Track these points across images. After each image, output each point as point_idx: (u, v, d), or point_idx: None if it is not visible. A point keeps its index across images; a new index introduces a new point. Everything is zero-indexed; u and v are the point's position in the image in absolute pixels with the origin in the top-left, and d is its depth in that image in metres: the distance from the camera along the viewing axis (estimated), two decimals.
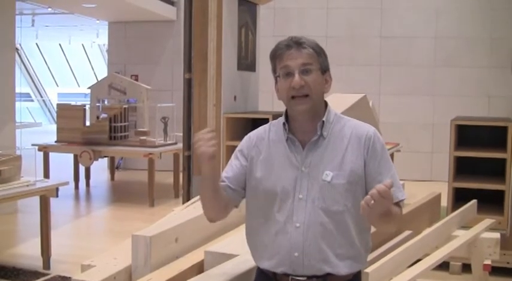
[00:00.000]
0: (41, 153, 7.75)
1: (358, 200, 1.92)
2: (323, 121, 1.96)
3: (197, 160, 1.93)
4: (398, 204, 1.97)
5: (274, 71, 2.00)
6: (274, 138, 2.02)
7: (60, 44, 21.26)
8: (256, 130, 2.11)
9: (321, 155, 1.94)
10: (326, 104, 2.02)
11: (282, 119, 2.02)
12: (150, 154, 7.32)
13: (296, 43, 1.95)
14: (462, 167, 5.10)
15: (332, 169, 1.92)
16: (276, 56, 1.97)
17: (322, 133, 1.96)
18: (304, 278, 1.94)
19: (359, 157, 1.94)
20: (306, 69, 1.92)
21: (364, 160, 1.94)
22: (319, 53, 1.97)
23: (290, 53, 1.94)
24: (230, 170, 2.06)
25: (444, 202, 4.45)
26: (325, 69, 1.99)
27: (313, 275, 1.93)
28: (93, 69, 22.41)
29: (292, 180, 1.94)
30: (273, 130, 2.05)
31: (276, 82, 2.00)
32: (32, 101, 22.33)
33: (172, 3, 10.15)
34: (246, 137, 2.10)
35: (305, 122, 1.97)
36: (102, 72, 16.83)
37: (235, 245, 2.47)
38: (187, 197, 4.81)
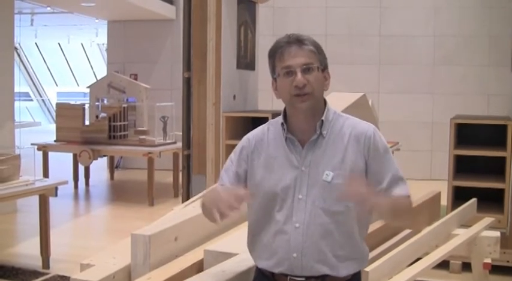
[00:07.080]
0: (40, 152, 7.75)
1: None
2: (322, 120, 1.93)
3: (211, 205, 1.86)
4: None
5: (273, 70, 1.96)
6: (273, 139, 1.99)
7: (59, 43, 21.23)
8: (254, 131, 2.07)
9: (320, 155, 1.92)
10: (325, 102, 1.99)
11: (280, 119, 1.99)
12: (150, 153, 7.32)
13: (297, 40, 1.91)
14: (462, 166, 5.10)
15: (332, 169, 1.89)
16: (276, 54, 1.93)
17: (321, 132, 1.93)
18: (303, 279, 1.92)
19: (359, 156, 1.91)
20: (307, 68, 1.89)
21: (365, 160, 1.92)
22: (319, 50, 1.94)
23: (291, 51, 1.90)
24: (231, 177, 2.02)
25: (444, 200, 4.44)
26: (324, 67, 1.96)
27: (311, 276, 1.91)
28: (92, 68, 22.39)
29: (291, 180, 1.92)
30: (271, 130, 2.01)
31: (275, 81, 1.96)
32: (31, 100, 22.32)
33: (171, 2, 10.14)
34: (244, 139, 2.06)
35: (305, 121, 1.94)
36: (101, 72, 16.82)
37: (235, 244, 2.46)
38: (186, 196, 4.81)
